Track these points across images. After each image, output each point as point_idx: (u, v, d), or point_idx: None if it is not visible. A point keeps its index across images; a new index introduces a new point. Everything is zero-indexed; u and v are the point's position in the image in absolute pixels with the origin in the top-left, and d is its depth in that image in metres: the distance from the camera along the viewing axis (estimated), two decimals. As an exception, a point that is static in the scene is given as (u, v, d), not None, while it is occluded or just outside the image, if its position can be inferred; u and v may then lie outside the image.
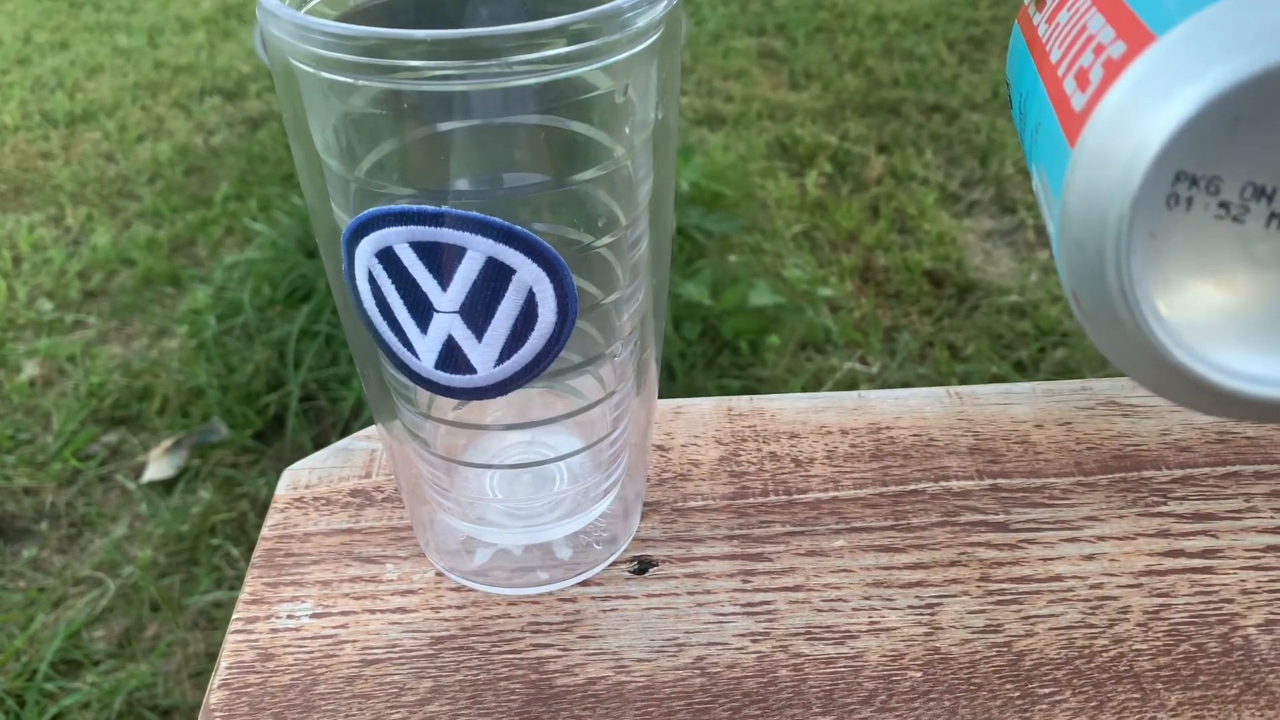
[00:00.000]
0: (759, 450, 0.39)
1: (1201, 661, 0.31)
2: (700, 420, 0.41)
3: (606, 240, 0.30)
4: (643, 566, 0.35)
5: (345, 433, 1.39)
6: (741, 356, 1.39)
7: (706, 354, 1.40)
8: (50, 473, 1.34)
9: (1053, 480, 0.38)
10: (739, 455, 0.39)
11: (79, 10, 2.63)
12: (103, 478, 1.35)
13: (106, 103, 2.20)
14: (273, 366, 1.45)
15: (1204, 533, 0.35)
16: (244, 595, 0.34)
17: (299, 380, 1.40)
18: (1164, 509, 0.36)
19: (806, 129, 1.94)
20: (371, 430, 0.40)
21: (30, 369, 1.51)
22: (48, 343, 1.54)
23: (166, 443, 1.38)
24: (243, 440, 1.37)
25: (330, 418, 1.40)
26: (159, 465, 1.35)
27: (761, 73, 2.17)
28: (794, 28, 2.34)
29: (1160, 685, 0.31)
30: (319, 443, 1.37)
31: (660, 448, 0.40)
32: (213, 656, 1.12)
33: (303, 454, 1.35)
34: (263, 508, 1.29)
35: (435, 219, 0.26)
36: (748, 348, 1.40)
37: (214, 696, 0.31)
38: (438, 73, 0.25)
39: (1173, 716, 0.30)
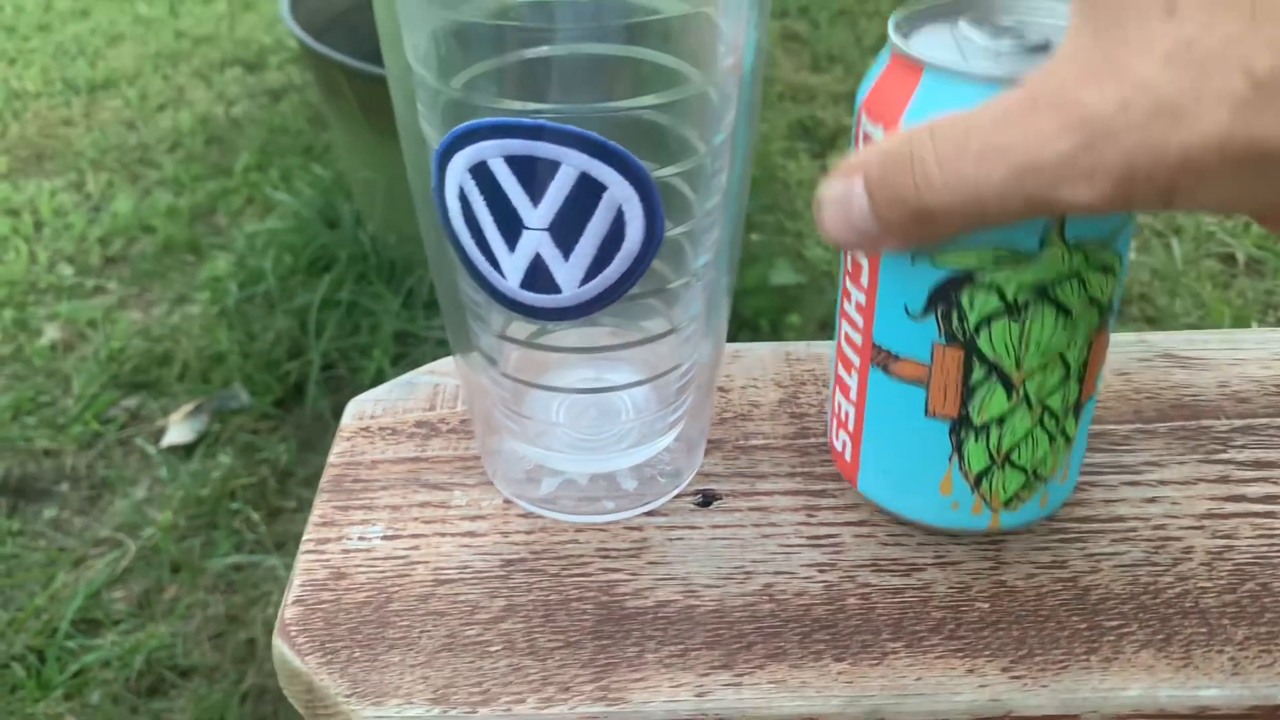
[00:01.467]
0: (819, 394, 0.40)
1: (1267, 600, 0.32)
2: (759, 364, 0.41)
3: (683, 168, 0.30)
4: (707, 499, 0.35)
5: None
6: (762, 335, 1.40)
7: (727, 332, 1.41)
8: (70, 435, 1.35)
9: (1112, 427, 0.38)
10: (798, 398, 0.40)
11: (100, -21, 2.63)
12: (122, 441, 1.36)
13: (128, 71, 2.20)
14: (294, 335, 1.45)
15: (1265, 480, 0.36)
16: (314, 518, 0.35)
17: (320, 349, 1.41)
18: (1224, 456, 0.37)
19: (828, 111, 1.94)
20: (435, 365, 0.41)
21: (51, 333, 1.52)
22: (68, 307, 1.55)
23: (187, 408, 1.38)
24: (263, 407, 1.37)
25: (350, 387, 1.40)
26: (179, 430, 1.36)
27: (784, 55, 2.17)
28: (817, 10, 2.33)
29: (1227, 620, 0.31)
30: (337, 411, 1.37)
31: (721, 389, 0.40)
32: (233, 619, 1.13)
33: (322, 423, 1.36)
34: (283, 474, 1.29)
35: (534, 131, 0.26)
36: (768, 326, 1.40)
37: (289, 612, 0.31)
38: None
39: (1239, 650, 0.30)
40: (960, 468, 0.31)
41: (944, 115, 0.24)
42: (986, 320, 0.28)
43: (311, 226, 1.56)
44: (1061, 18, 0.29)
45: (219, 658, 1.10)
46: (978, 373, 0.29)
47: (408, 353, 1.41)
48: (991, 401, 0.29)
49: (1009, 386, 0.29)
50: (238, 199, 1.77)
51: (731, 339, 0.40)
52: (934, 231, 0.24)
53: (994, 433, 0.30)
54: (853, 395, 0.32)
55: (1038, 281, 0.27)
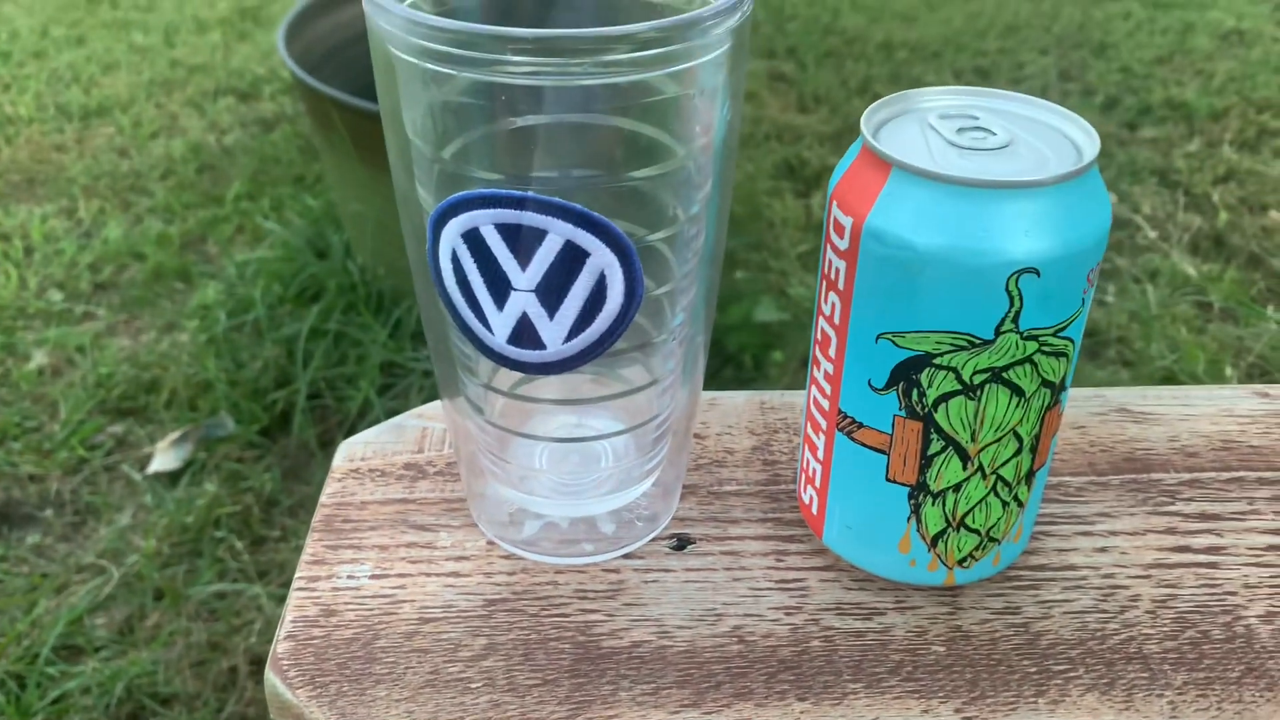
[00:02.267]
0: (790, 441, 0.42)
1: (1206, 647, 0.34)
2: (734, 411, 0.43)
3: (665, 234, 0.32)
4: (682, 543, 0.37)
5: (351, 431, 1.41)
6: (745, 370, 1.42)
7: (711, 367, 1.42)
8: (56, 460, 1.36)
9: (1068, 479, 0.40)
10: (771, 445, 0.41)
11: (96, 7, 2.66)
12: (108, 467, 1.36)
13: (121, 99, 2.22)
14: (281, 364, 1.46)
15: (1209, 531, 0.38)
16: (305, 556, 0.36)
17: (307, 378, 1.42)
18: (1172, 508, 0.39)
19: (814, 151, 1.97)
20: (423, 409, 0.43)
21: (39, 358, 1.52)
22: (57, 332, 1.56)
23: (173, 435, 1.39)
24: (249, 435, 1.38)
25: (336, 416, 1.42)
26: (165, 457, 1.37)
27: (771, 95, 2.20)
28: (804, 52, 2.37)
29: (1168, 666, 0.33)
30: (324, 441, 1.38)
31: (697, 436, 0.42)
32: (215, 647, 1.14)
33: (308, 452, 1.37)
34: (267, 503, 1.30)
35: (519, 203, 0.28)
36: (752, 362, 1.42)
37: (281, 647, 0.33)
38: (527, 68, 0.27)
39: (1178, 694, 0.32)
40: (918, 529, 0.33)
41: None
42: (944, 398, 0.30)
43: (301, 256, 1.58)
44: (1027, 115, 0.32)
45: (200, 686, 1.11)
46: (935, 444, 0.31)
47: (394, 383, 1.43)
48: (948, 470, 0.31)
49: (964, 458, 0.31)
50: (228, 227, 1.79)
51: (715, 374, 0.42)
52: None
53: (950, 498, 0.32)
54: (820, 455, 0.34)
55: (992, 366, 0.30)
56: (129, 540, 1.26)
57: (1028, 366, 0.30)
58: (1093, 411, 0.43)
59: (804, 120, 2.10)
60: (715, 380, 1.40)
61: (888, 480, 0.32)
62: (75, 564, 1.23)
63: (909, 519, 0.33)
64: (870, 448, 0.32)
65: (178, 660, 1.13)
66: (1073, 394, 0.44)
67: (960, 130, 0.31)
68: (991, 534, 0.33)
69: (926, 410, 0.31)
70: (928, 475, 0.32)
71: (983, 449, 0.31)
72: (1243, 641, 0.34)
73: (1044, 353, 0.30)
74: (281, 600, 1.18)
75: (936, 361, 0.30)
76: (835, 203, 0.31)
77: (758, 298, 1.49)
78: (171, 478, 1.34)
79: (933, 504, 0.32)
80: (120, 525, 1.27)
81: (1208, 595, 0.35)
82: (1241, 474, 0.40)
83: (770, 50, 2.40)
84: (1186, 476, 0.40)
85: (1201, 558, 0.37)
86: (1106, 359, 1.48)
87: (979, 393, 0.30)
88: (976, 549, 0.33)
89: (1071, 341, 0.30)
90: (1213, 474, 0.40)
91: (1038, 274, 0.28)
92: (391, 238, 1.47)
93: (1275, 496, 0.39)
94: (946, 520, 0.32)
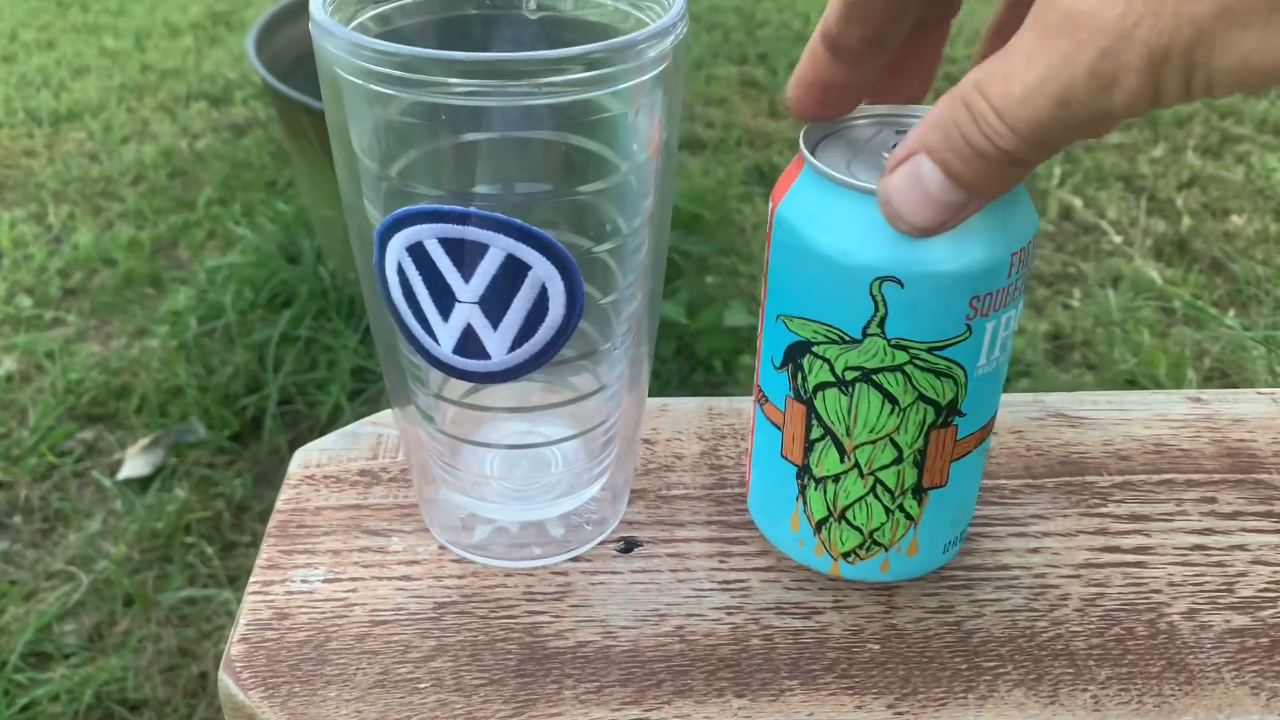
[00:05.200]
0: (737, 446, 0.43)
1: (1130, 643, 0.35)
2: (684, 418, 0.44)
3: (609, 246, 0.33)
4: (629, 546, 0.38)
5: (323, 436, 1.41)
6: (715, 375, 1.43)
7: (681, 371, 1.44)
8: (25, 467, 1.35)
9: (1004, 481, 0.41)
10: (719, 450, 0.43)
11: (66, 10, 2.64)
12: (78, 473, 1.36)
13: (92, 103, 2.21)
14: (252, 369, 1.46)
15: (1138, 532, 0.39)
16: (260, 561, 0.37)
17: (277, 384, 1.42)
18: (1104, 510, 0.40)
19: (784, 157, 1.99)
20: (377, 416, 0.43)
21: (7, 364, 1.52)
22: (26, 338, 1.55)
23: (144, 441, 1.39)
24: (220, 441, 1.38)
25: (307, 421, 1.42)
26: (135, 463, 1.37)
27: (742, 100, 2.22)
28: (775, 58, 2.39)
29: (1092, 662, 0.34)
30: (294, 446, 1.38)
31: (646, 441, 0.43)
32: (185, 652, 1.14)
33: (278, 457, 1.37)
34: (238, 508, 1.30)
35: (462, 218, 0.29)
36: (721, 366, 1.44)
37: (235, 649, 0.34)
38: (469, 89, 0.28)
39: (1102, 689, 0.33)
40: (805, 510, 0.35)
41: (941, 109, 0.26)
42: (821, 386, 0.32)
43: (272, 262, 1.58)
44: None
45: (170, 691, 1.11)
46: (815, 431, 0.33)
47: (365, 389, 1.43)
48: (827, 459, 0.33)
49: (841, 450, 0.33)
50: (199, 233, 1.79)
51: (686, 379, 0.43)
52: (1022, 172, 0.26)
53: (830, 488, 0.34)
54: (751, 425, 0.36)
55: (861, 365, 0.31)
56: (98, 546, 1.25)
57: (899, 375, 0.31)
58: (1030, 416, 0.45)
59: (775, 126, 2.12)
60: (686, 385, 1.41)
61: (782, 456, 0.34)
62: (44, 570, 1.23)
63: (797, 498, 0.35)
64: (772, 423, 0.34)
65: (147, 666, 1.13)
66: (1010, 400, 0.45)
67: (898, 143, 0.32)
68: (876, 537, 0.34)
69: (808, 395, 0.32)
70: (811, 459, 0.33)
71: (858, 446, 0.32)
72: (1165, 638, 0.35)
73: (918, 367, 0.31)
74: (252, 606, 1.18)
75: (815, 350, 0.32)
76: (774, 192, 0.32)
77: (727, 302, 1.50)
78: (142, 484, 1.34)
79: (815, 488, 0.34)
80: (90, 531, 1.27)
81: (1134, 594, 0.37)
82: (1171, 476, 0.42)
83: (742, 56, 2.42)
84: (1119, 479, 0.42)
85: (1130, 557, 0.38)
86: (1071, 362, 1.50)
87: (851, 389, 0.31)
88: (860, 547, 0.35)
89: (958, 365, 0.31)
90: (1144, 476, 0.42)
91: (900, 284, 0.29)
92: (362, 243, 1.48)
93: (1202, 498, 0.41)
94: (828, 509, 0.34)
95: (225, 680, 0.33)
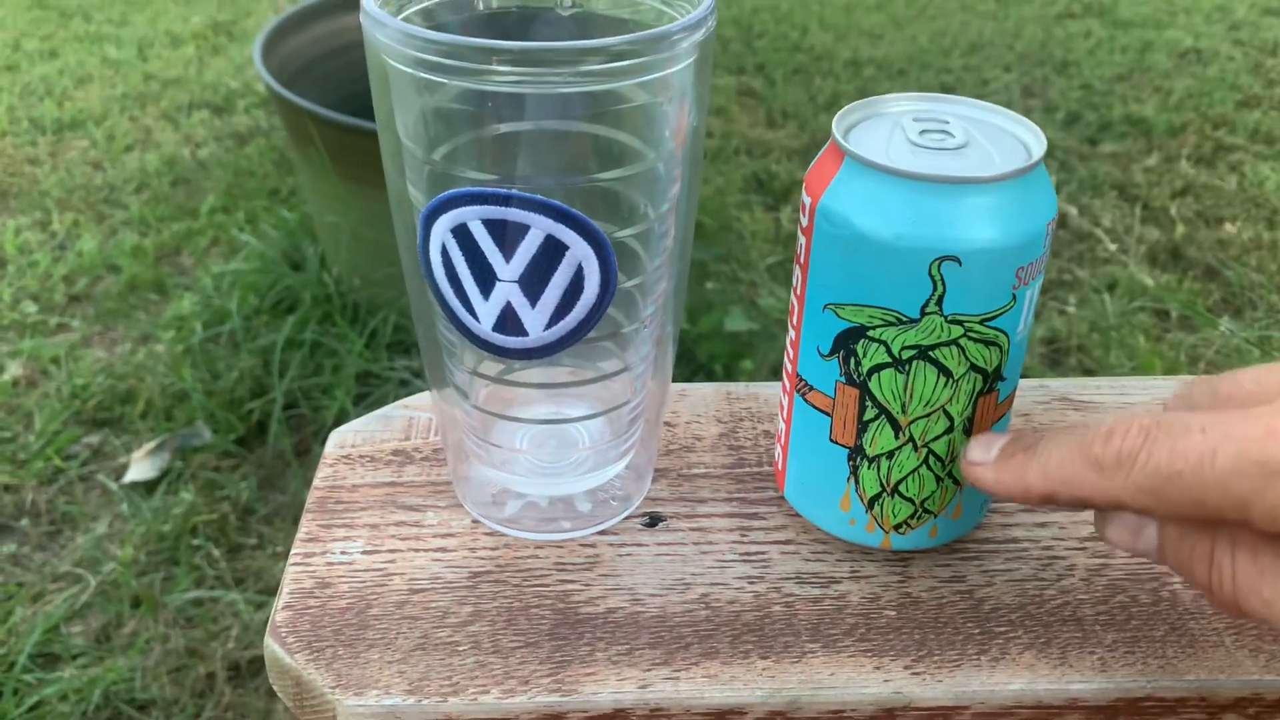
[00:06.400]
0: (754, 429, 0.44)
1: (1134, 609, 0.37)
2: (702, 402, 0.46)
3: (636, 230, 0.35)
4: (654, 520, 0.40)
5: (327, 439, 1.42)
6: (716, 379, 1.45)
7: (683, 375, 1.46)
8: (32, 471, 1.36)
9: (1011, 461, 0.43)
10: (736, 432, 0.44)
11: (69, 20, 2.66)
12: (84, 477, 1.37)
13: (95, 112, 2.23)
14: (257, 374, 1.48)
15: (1140, 507, 0.41)
16: (300, 535, 0.38)
17: (282, 388, 1.44)
18: (1106, 487, 0.42)
19: (782, 165, 2.01)
20: (409, 400, 0.45)
21: (13, 369, 1.53)
22: (31, 344, 1.56)
23: (149, 445, 1.40)
24: (225, 445, 1.39)
25: (312, 425, 1.43)
26: (141, 466, 1.38)
27: (740, 110, 2.25)
28: (773, 68, 2.42)
29: (1099, 627, 0.36)
30: (300, 450, 1.40)
31: (667, 424, 0.45)
32: (192, 653, 1.15)
33: (283, 461, 1.38)
34: (244, 511, 1.32)
35: (504, 200, 0.31)
36: (722, 371, 1.45)
37: (279, 616, 0.35)
38: (512, 77, 0.30)
39: (1109, 651, 0.35)
40: (856, 490, 0.36)
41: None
42: (876, 368, 0.33)
43: (276, 268, 1.60)
44: (991, 122, 0.35)
45: (178, 692, 1.12)
46: (870, 411, 0.34)
47: (370, 392, 1.45)
48: (881, 437, 0.34)
49: (896, 427, 0.34)
50: (203, 240, 1.80)
51: (687, 383, 0.45)
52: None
53: (884, 465, 0.35)
54: (785, 415, 0.38)
55: (919, 343, 0.33)
56: (105, 549, 1.27)
57: (954, 349, 0.33)
58: (1037, 400, 0.46)
59: (773, 135, 2.14)
60: (687, 388, 1.43)
61: (831, 441, 0.36)
62: (51, 573, 1.24)
63: (848, 479, 0.36)
64: (818, 409, 0.35)
65: (155, 667, 1.14)
66: (1019, 384, 0.47)
67: (924, 131, 0.34)
68: (926, 505, 0.36)
69: (862, 378, 0.34)
70: (864, 440, 0.35)
71: (913, 421, 0.34)
72: (1167, 604, 0.37)
73: (971, 339, 0.33)
74: (259, 607, 1.19)
75: (870, 334, 0.33)
76: (804, 186, 0.34)
77: (727, 308, 1.52)
78: (148, 487, 1.35)
79: (869, 467, 0.35)
80: (97, 534, 1.28)
81: (1137, 564, 0.38)
82: (1171, 456, 0.43)
83: (740, 66, 2.45)
84: (1121, 459, 0.43)
85: (1133, 531, 0.40)
86: (1068, 366, 1.52)
87: (908, 367, 0.33)
88: (911, 517, 0.36)
89: (1003, 333, 0.33)
90: (1145, 456, 0.43)
91: (959, 262, 0.31)
92: (367, 249, 1.49)
93: (1201, 476, 0.42)
94: (881, 485, 0.35)
95: (271, 645, 0.35)
